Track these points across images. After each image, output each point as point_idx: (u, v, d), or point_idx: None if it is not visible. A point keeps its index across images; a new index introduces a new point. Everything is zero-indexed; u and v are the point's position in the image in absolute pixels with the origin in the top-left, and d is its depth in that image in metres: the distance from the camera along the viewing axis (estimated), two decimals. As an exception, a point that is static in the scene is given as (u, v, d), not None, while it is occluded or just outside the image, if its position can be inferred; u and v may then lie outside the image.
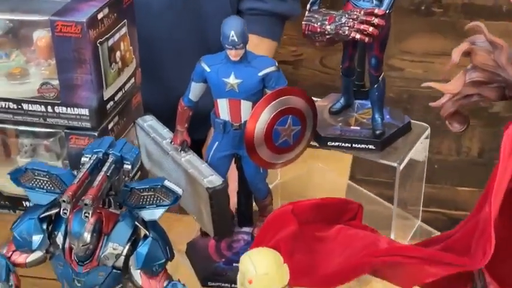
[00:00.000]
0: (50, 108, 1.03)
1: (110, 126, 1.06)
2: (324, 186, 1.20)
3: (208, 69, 0.91)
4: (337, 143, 0.99)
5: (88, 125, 1.02)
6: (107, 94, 1.04)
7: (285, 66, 1.92)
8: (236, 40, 0.87)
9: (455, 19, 1.89)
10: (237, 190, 1.04)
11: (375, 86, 0.97)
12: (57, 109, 1.02)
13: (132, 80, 1.12)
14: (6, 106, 1.04)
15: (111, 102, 1.05)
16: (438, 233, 1.07)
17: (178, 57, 1.37)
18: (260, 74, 0.90)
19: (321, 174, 1.24)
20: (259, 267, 0.63)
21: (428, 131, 1.04)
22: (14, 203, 1.12)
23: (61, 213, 0.78)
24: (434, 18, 1.90)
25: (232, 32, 0.87)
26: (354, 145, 0.99)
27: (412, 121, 1.04)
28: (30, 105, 1.03)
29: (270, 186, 1.04)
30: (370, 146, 0.98)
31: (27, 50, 1.08)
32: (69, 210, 0.78)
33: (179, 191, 0.83)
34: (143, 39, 1.24)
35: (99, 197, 0.80)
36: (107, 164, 0.83)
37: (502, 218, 0.75)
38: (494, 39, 0.71)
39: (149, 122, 1.05)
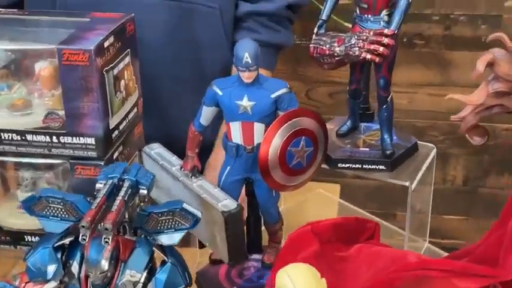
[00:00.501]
0: (54, 139, 0.99)
1: (115, 156, 1.04)
2: (326, 212, 1.18)
3: (220, 93, 0.90)
4: (347, 165, 0.98)
5: (94, 154, 0.99)
6: (112, 123, 1.01)
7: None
8: (250, 62, 0.85)
9: (437, 50, 1.91)
10: (247, 216, 1.01)
11: (384, 106, 0.96)
12: (63, 139, 0.99)
13: (135, 110, 1.10)
14: (10, 137, 1.00)
15: (116, 131, 1.03)
16: (446, 254, 1.05)
17: (176, 90, 1.36)
18: (273, 96, 0.88)
19: (324, 201, 1.22)
20: (297, 282, 0.61)
21: (434, 151, 1.03)
22: (15, 238, 1.08)
23: (80, 239, 0.75)
24: (416, 50, 1.92)
25: (246, 54, 0.85)
26: (364, 166, 0.97)
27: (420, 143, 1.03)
28: (34, 136, 1.00)
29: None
30: (381, 167, 0.97)
31: (28, 81, 1.06)
32: (88, 236, 0.75)
33: (198, 214, 0.81)
34: (143, 75, 1.22)
35: (118, 222, 0.77)
36: (124, 189, 0.81)
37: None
38: (517, 49, 0.71)
39: (156, 149, 1.03)
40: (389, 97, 0.96)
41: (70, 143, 0.99)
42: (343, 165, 0.98)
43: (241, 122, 0.90)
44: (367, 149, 1.00)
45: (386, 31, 0.90)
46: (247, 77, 0.87)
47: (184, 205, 0.80)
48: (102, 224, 0.76)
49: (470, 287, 0.72)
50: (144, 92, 1.14)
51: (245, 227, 1.00)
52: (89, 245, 0.78)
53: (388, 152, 0.96)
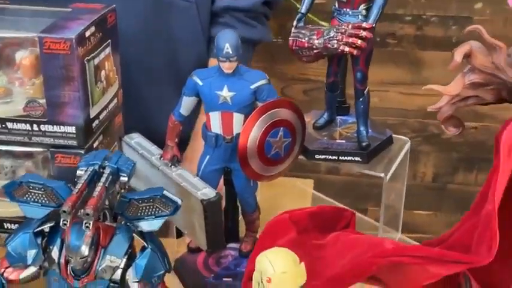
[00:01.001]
0: (35, 127, 0.98)
1: (95, 145, 1.02)
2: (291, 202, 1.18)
3: (200, 83, 0.89)
4: (324, 156, 0.98)
5: (74, 143, 0.98)
6: (93, 112, 1.00)
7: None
8: (230, 52, 0.85)
9: (409, 49, 1.92)
10: (225, 205, 1.01)
11: (360, 99, 0.97)
12: (43, 127, 0.98)
13: (115, 100, 1.09)
14: (-9, 125, 0.99)
15: (97, 121, 1.02)
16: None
17: (152, 81, 1.35)
18: (252, 86, 0.88)
19: (300, 193, 1.22)
20: (277, 266, 0.61)
21: (408, 144, 1.04)
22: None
23: (61, 224, 0.74)
24: (388, 49, 1.93)
25: (227, 45, 0.85)
26: (340, 157, 0.98)
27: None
28: (14, 123, 0.98)
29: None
30: (357, 158, 0.97)
31: (9, 70, 1.04)
32: (69, 221, 0.74)
33: (179, 201, 0.81)
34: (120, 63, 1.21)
35: (99, 208, 0.76)
36: (104, 176, 0.80)
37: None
38: (493, 41, 0.71)
39: (136, 139, 1.02)
40: (366, 90, 0.97)
41: (51, 132, 0.98)
42: (320, 156, 0.98)
43: (221, 112, 0.89)
44: (344, 141, 1.00)
45: (364, 24, 0.90)
46: (227, 67, 0.86)
47: (165, 192, 0.80)
48: (82, 210, 0.75)
49: (442, 273, 0.73)
50: (122, 77, 1.13)
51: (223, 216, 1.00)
52: (69, 230, 0.77)
53: (364, 144, 0.97)
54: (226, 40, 0.85)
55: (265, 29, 1.43)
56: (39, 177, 0.82)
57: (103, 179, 0.79)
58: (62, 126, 0.98)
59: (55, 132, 0.98)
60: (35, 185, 0.80)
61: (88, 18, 0.99)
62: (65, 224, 0.74)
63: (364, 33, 0.89)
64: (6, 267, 0.81)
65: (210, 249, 0.92)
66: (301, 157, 0.98)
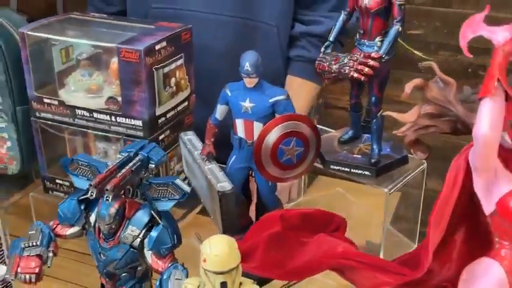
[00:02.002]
0: (113, 118, 1.08)
1: (160, 137, 1.10)
2: (336, 207, 1.17)
3: (229, 94, 0.93)
4: (338, 167, 0.98)
5: (141, 134, 1.07)
6: (159, 111, 1.08)
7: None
8: (249, 70, 0.88)
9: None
10: (256, 201, 1.04)
11: (374, 120, 0.95)
12: (119, 119, 1.07)
13: (186, 103, 1.16)
14: (82, 114, 1.10)
15: (163, 118, 1.09)
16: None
17: None
18: (271, 100, 0.90)
19: (340, 199, 1.21)
20: (213, 249, 0.64)
21: (424, 166, 1.00)
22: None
23: (88, 195, 0.82)
24: (477, 80, 1.83)
25: (247, 64, 0.88)
26: (352, 170, 0.97)
27: (411, 156, 1.00)
28: (99, 114, 1.09)
29: (293, 203, 1.04)
30: (367, 172, 0.96)
31: (105, 72, 1.15)
32: (95, 193, 0.82)
33: (187, 189, 0.85)
34: (206, 75, 1.28)
35: (120, 186, 0.82)
36: (134, 161, 0.87)
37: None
38: (444, 77, 0.68)
39: (189, 136, 1.08)
40: (380, 113, 0.95)
41: (124, 123, 1.07)
42: (334, 167, 0.98)
43: (244, 120, 0.93)
44: (359, 156, 0.99)
45: (373, 54, 0.89)
46: (248, 82, 0.90)
47: (177, 181, 0.85)
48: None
49: (390, 281, 0.72)
50: (205, 90, 1.20)
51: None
52: (101, 202, 0.84)
53: (373, 160, 0.95)
54: (247, 60, 0.89)
55: None
56: (88, 157, 0.91)
57: (131, 164, 0.86)
58: (132, 120, 1.07)
59: (127, 124, 1.07)
60: (83, 163, 0.88)
61: (161, 35, 1.07)
62: (92, 196, 0.82)
63: (371, 62, 0.88)
64: (57, 224, 0.90)
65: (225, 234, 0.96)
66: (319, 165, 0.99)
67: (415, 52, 1.62)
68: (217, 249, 0.64)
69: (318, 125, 0.94)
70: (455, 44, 0.70)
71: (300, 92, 1.37)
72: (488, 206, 0.66)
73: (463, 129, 0.67)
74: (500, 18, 0.67)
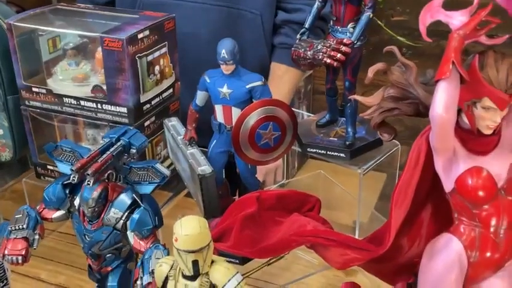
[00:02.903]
0: (99, 106, 1.09)
1: (146, 124, 1.11)
2: (319, 188, 1.18)
3: (208, 80, 0.94)
4: (314, 150, 0.99)
5: (126, 120, 1.08)
6: (143, 98, 1.09)
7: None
8: (226, 57, 0.89)
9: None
10: (238, 183, 1.05)
11: (348, 104, 0.96)
12: (105, 106, 1.08)
13: (170, 91, 1.17)
14: (69, 102, 1.11)
15: (148, 105, 1.10)
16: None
17: None
18: (247, 86, 0.91)
19: (322, 180, 1.22)
20: (184, 229, 0.65)
21: (398, 148, 1.01)
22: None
23: (70, 179, 0.83)
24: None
25: (224, 50, 0.89)
26: (328, 152, 0.98)
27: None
28: (86, 102, 1.10)
29: (276, 185, 1.05)
30: (342, 154, 0.97)
31: (92, 61, 1.16)
32: (76, 178, 0.83)
33: (166, 172, 0.86)
34: (192, 61, 1.28)
35: (101, 170, 0.84)
36: (115, 146, 0.87)
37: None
38: (405, 61, 0.69)
39: (173, 122, 1.09)
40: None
41: (110, 110, 1.08)
42: (311, 149, 0.99)
43: (222, 105, 0.94)
44: (335, 139, 1.00)
45: (345, 40, 0.89)
46: (225, 69, 0.91)
47: (156, 164, 0.86)
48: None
49: (358, 257, 0.73)
50: (191, 77, 1.20)
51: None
52: (84, 186, 0.85)
53: (347, 143, 0.96)
54: (223, 46, 0.89)
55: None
56: (71, 143, 0.92)
57: (112, 149, 0.87)
58: (117, 107, 1.07)
59: (113, 111, 1.08)
60: (66, 148, 0.90)
61: (144, 24, 1.07)
62: (74, 180, 0.83)
63: (343, 48, 0.89)
64: (43, 208, 0.92)
65: (206, 217, 0.97)
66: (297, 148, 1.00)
67: (399, 38, 1.62)
68: (188, 229, 0.65)
69: (302, 111, 0.95)
70: (438, 30, 0.71)
71: (284, 78, 1.38)
72: (448, 184, 0.67)
73: (424, 112, 0.68)
74: (460, 2, 0.67)
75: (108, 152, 0.86)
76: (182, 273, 0.68)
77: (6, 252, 0.85)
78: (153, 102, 1.12)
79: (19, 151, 1.23)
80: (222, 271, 0.67)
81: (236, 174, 1.02)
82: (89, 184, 0.83)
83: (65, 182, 0.89)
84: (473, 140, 0.65)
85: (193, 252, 0.65)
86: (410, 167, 0.67)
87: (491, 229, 0.66)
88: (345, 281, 0.84)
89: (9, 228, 0.87)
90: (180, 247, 0.65)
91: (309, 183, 1.22)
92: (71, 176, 0.83)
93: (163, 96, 1.15)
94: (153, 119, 1.13)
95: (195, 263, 0.66)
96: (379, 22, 1.79)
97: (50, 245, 1.17)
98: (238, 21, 1.36)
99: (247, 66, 1.37)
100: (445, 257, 0.67)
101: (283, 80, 1.37)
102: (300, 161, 1.52)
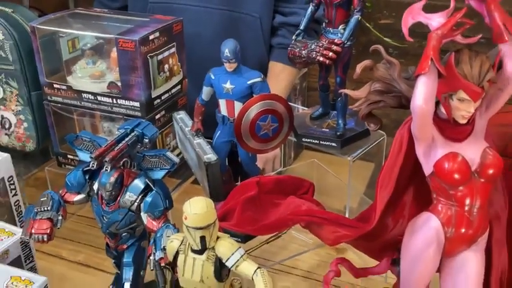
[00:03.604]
0: (114, 100, 1.11)
1: (157, 117, 1.13)
2: (313, 176, 1.20)
3: (213, 77, 0.96)
4: (308, 139, 1.01)
5: (139, 114, 1.10)
6: (154, 93, 1.11)
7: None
8: (229, 55, 0.91)
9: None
10: (240, 170, 1.07)
11: (339, 98, 0.98)
12: (120, 101, 1.10)
13: (179, 87, 1.19)
14: (87, 97, 1.13)
15: (158, 100, 1.12)
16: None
17: None
18: (248, 82, 0.93)
19: (316, 169, 1.24)
20: (192, 209, 0.67)
21: (384, 138, 1.03)
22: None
23: (90, 166, 0.85)
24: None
25: (226, 50, 0.91)
26: (321, 142, 1.00)
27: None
28: (102, 97, 1.12)
29: (274, 172, 1.07)
30: (333, 144, 0.99)
31: (107, 60, 1.18)
32: (95, 164, 0.85)
33: (176, 160, 0.88)
34: (198, 59, 1.30)
35: (117, 158, 0.85)
36: (129, 137, 0.89)
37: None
38: (389, 58, 0.71)
39: (181, 115, 1.11)
40: (344, 92, 0.97)
41: (124, 105, 1.10)
42: (306, 139, 1.01)
43: (226, 100, 0.96)
44: (327, 130, 1.02)
45: (336, 40, 0.91)
46: (228, 67, 0.93)
47: (167, 152, 0.88)
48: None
49: (349, 234, 0.75)
50: (196, 74, 1.22)
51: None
52: (102, 172, 0.87)
53: (338, 133, 0.98)
54: (226, 46, 0.91)
55: None
56: (89, 133, 0.93)
57: (127, 139, 0.89)
58: (131, 101, 1.09)
59: (127, 105, 1.10)
60: (86, 138, 0.91)
61: (155, 26, 1.09)
62: (93, 166, 0.85)
63: (335, 48, 0.91)
64: (66, 192, 0.94)
65: (212, 199, 0.99)
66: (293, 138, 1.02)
67: (386, 39, 1.64)
68: (196, 208, 0.67)
69: (294, 105, 0.97)
70: (421, 32, 0.73)
71: (281, 75, 1.40)
72: (427, 168, 0.69)
73: (407, 104, 0.70)
74: (438, 6, 0.69)
75: (124, 142, 0.88)
76: (191, 248, 0.71)
77: (33, 231, 0.87)
78: (163, 97, 1.14)
79: (42, 142, 1.25)
80: (226, 246, 0.70)
81: (238, 162, 1.03)
82: (106, 170, 0.85)
83: (85, 169, 0.91)
84: (450, 129, 0.67)
85: (201, 228, 0.68)
86: (394, 154, 0.70)
87: (466, 208, 0.68)
88: (336, 257, 0.87)
89: (35, 210, 0.89)
90: (189, 224, 0.68)
91: (304, 171, 1.24)
92: (91, 163, 0.85)
93: (172, 92, 1.17)
94: (163, 112, 1.15)
95: (203, 239, 0.69)
96: (368, 24, 1.81)
97: (70, 227, 1.20)
98: (239, 24, 1.38)
99: (248, 64, 1.39)
100: (425, 233, 0.69)
101: (280, 77, 1.39)
102: (296, 151, 1.54)
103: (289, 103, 0.96)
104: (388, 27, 2.00)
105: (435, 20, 0.64)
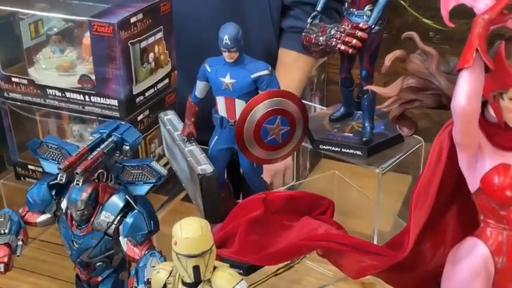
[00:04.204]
0: (87, 98, 1.13)
1: (139, 118, 1.16)
2: (334, 192, 1.23)
3: (209, 70, 0.99)
4: (327, 147, 1.03)
5: (117, 114, 1.12)
6: (136, 89, 1.13)
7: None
8: (229, 43, 0.93)
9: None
10: (241, 185, 1.09)
11: (365, 96, 1.00)
12: (93, 99, 1.13)
13: (166, 81, 1.21)
14: (53, 93, 1.16)
15: (141, 97, 1.15)
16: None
17: None
18: (252, 76, 0.96)
19: (337, 183, 1.27)
20: (184, 232, 0.70)
21: (422, 144, 1.05)
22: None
23: (58, 179, 0.88)
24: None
25: (226, 36, 0.93)
26: (343, 150, 1.02)
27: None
28: (72, 93, 1.14)
29: (285, 187, 1.09)
30: (358, 152, 1.01)
31: (78, 47, 1.21)
32: (64, 177, 0.88)
33: (163, 171, 0.91)
34: (191, 45, 1.33)
35: (91, 169, 0.88)
36: (106, 143, 0.92)
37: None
38: (425, 48, 0.73)
39: (169, 116, 1.13)
40: (371, 88, 1.00)
41: (99, 103, 1.13)
42: (324, 146, 1.03)
43: (225, 97, 0.98)
44: (351, 135, 1.04)
45: (361, 25, 0.94)
46: (228, 57, 0.95)
47: (152, 163, 0.91)
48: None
49: (377, 265, 0.77)
50: (189, 64, 1.25)
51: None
52: (72, 186, 0.90)
53: (364, 139, 1.01)
54: (226, 32, 0.94)
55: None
56: (57, 139, 0.97)
57: (103, 146, 0.92)
58: (107, 99, 1.12)
59: (102, 104, 1.13)
60: (52, 145, 0.94)
61: (137, 6, 1.12)
62: (61, 180, 0.88)
63: (359, 34, 0.93)
64: (27, 212, 0.96)
65: (208, 220, 1.02)
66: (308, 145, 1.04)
67: (425, 20, 1.67)
68: (189, 232, 0.69)
69: (314, 104, 0.99)
70: (470, 11, 0.75)
71: (294, 66, 1.42)
72: (473, 183, 0.71)
73: (447, 103, 0.72)
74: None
75: (99, 149, 0.91)
76: (182, 280, 0.73)
77: (-14, 259, 0.90)
78: (146, 94, 1.16)
79: (-4, 149, 1.28)
80: (225, 277, 0.72)
81: (239, 174, 1.06)
82: (78, 184, 0.87)
83: (51, 183, 0.94)
84: (500, 134, 0.69)
85: (194, 256, 0.70)
86: (432, 165, 0.72)
87: (521, 232, 0.70)
88: (361, 293, 0.89)
89: (-10, 234, 0.92)
90: (180, 251, 0.70)
91: (322, 185, 1.26)
92: (58, 176, 0.88)
93: (158, 87, 1.19)
94: (147, 112, 1.18)
95: (196, 269, 0.71)
96: (402, 2, 1.84)
97: (31, 255, 1.22)
98: (242, 2, 1.41)
99: (251, 52, 1.41)
100: (470, 263, 0.71)
101: (292, 68, 1.42)
102: (313, 161, 1.56)
103: (304, 101, 0.99)
104: (428, 5, 2.02)
105: (482, 2, 0.66)
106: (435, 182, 0.73)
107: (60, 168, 0.87)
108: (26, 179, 1.26)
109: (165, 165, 1.18)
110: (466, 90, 0.65)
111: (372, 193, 1.25)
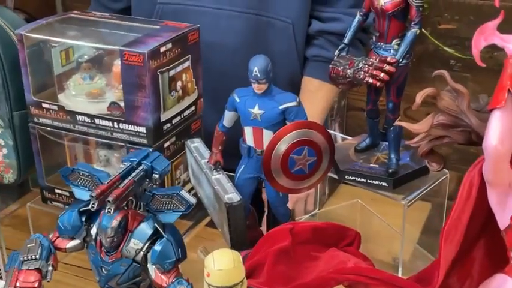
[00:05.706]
0: (116, 125, 1.15)
1: (166, 145, 1.17)
2: (356, 219, 1.23)
3: (238, 100, 1.00)
4: (353, 177, 1.04)
5: (145, 141, 1.14)
6: (164, 116, 1.15)
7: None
8: (258, 75, 0.95)
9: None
10: (266, 213, 1.11)
11: (391, 128, 1.01)
12: (122, 126, 1.15)
13: (193, 108, 1.23)
14: (83, 120, 1.17)
15: (168, 124, 1.17)
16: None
17: None
18: (281, 107, 0.97)
19: (360, 211, 1.27)
20: (217, 264, 0.71)
21: (447, 176, 1.06)
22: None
23: (90, 206, 0.89)
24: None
25: (256, 68, 0.95)
26: (368, 181, 1.03)
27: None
28: (101, 120, 1.16)
29: (307, 216, 1.10)
30: (383, 183, 1.02)
31: (108, 75, 1.23)
32: (96, 205, 0.89)
33: (192, 200, 0.92)
34: (216, 73, 1.34)
35: (122, 197, 0.90)
36: (137, 171, 0.94)
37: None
38: (456, 86, 0.74)
39: (196, 144, 1.15)
40: (397, 120, 1.01)
41: (127, 130, 1.15)
42: (349, 177, 1.04)
43: (253, 128, 1.00)
44: (377, 166, 1.05)
45: (389, 59, 0.95)
46: (257, 88, 0.97)
47: (181, 192, 0.92)
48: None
49: (403, 299, 0.78)
50: (214, 91, 1.27)
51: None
52: (102, 213, 0.91)
53: (390, 171, 1.01)
54: (256, 64, 0.95)
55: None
56: (88, 166, 0.98)
57: (134, 174, 0.93)
58: (135, 126, 1.14)
59: (130, 130, 1.14)
60: (84, 172, 0.96)
61: (167, 36, 1.14)
62: (93, 207, 0.89)
63: (387, 67, 0.94)
64: (57, 237, 0.98)
65: (233, 249, 1.03)
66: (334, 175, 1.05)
67: (447, 49, 1.68)
68: (221, 264, 0.70)
69: (334, 132, 1.00)
70: None
71: (317, 94, 1.44)
72: (503, 220, 0.72)
73: (477, 141, 0.73)
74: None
75: (130, 177, 0.92)
76: (213, 310, 0.74)
77: (18, 284, 0.91)
78: (174, 121, 1.18)
79: (24, 172, 1.30)
80: (255, 309, 0.73)
81: (261, 202, 1.07)
82: (109, 212, 0.89)
83: (82, 209, 0.96)
84: (532, 173, 0.70)
85: (226, 288, 0.71)
86: (462, 200, 0.72)
87: (551, 270, 0.71)
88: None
89: (21, 259, 0.93)
90: (212, 283, 0.71)
91: (344, 213, 1.27)
92: (90, 203, 0.89)
93: (184, 115, 1.21)
94: (173, 139, 1.19)
95: (228, 300, 0.72)
96: (424, 31, 1.85)
97: (55, 278, 1.23)
98: (268, 31, 1.42)
99: (277, 81, 1.44)
100: (499, 300, 0.71)
101: (316, 96, 1.43)
102: (331, 186, 1.57)
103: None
104: (449, 34, 2.03)
105: (513, 43, 0.67)
106: (465, 218, 0.73)
107: (92, 196, 0.89)
108: (53, 202, 1.27)
109: (189, 191, 1.20)
110: (498, 130, 0.66)
111: (392, 219, 1.25)
